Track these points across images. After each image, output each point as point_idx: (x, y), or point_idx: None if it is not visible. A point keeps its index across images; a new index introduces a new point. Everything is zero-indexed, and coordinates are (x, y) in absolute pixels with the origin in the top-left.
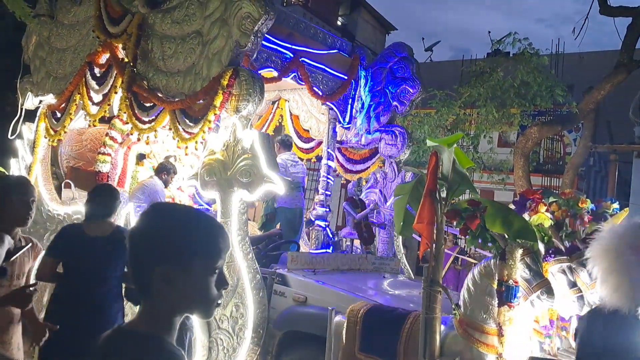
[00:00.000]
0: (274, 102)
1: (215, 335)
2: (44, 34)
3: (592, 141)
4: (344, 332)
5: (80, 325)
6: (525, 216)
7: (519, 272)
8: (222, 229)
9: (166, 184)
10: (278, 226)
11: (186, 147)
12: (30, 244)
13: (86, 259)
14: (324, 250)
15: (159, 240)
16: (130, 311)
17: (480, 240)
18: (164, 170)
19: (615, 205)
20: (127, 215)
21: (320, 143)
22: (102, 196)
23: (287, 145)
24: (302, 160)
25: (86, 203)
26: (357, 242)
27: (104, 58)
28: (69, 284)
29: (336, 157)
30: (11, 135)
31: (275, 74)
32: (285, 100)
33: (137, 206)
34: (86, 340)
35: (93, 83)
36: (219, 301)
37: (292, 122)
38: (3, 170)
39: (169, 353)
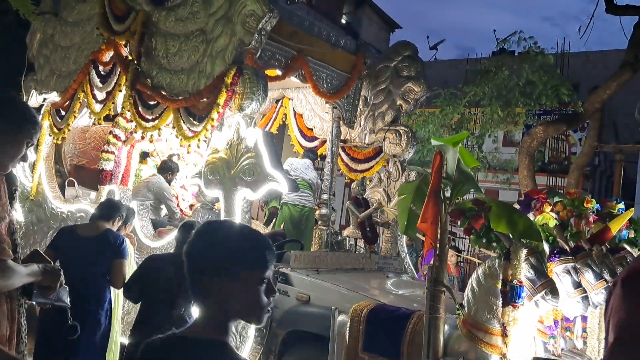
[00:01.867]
0: (277, 101)
1: None
2: (48, 31)
3: (597, 141)
4: (347, 331)
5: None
6: (530, 216)
7: (524, 272)
8: (268, 242)
9: (169, 182)
10: (282, 226)
11: (189, 146)
12: None
13: (74, 255)
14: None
15: (212, 256)
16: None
17: (484, 240)
18: (169, 170)
19: (621, 206)
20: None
21: (324, 142)
22: (104, 204)
23: (307, 155)
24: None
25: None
26: (360, 242)
27: (108, 56)
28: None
29: (340, 156)
30: None
31: (279, 72)
32: (289, 98)
33: (140, 203)
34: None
35: (97, 81)
36: (269, 308)
37: (296, 121)
38: None
39: (235, 355)
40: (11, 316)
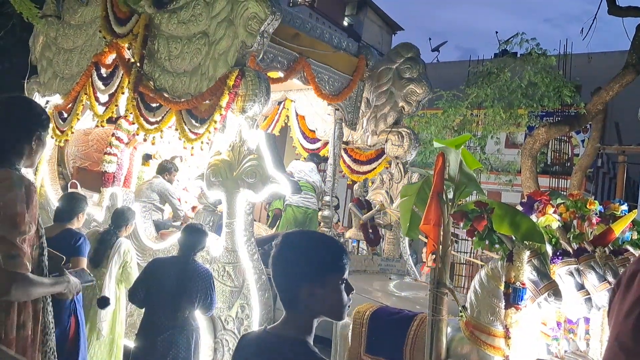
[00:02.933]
0: (280, 103)
1: (220, 336)
2: (51, 34)
3: (600, 142)
4: (349, 334)
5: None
6: (533, 218)
7: (526, 274)
8: (344, 247)
9: (170, 182)
10: (286, 228)
11: (192, 148)
12: None
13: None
14: None
15: (299, 265)
16: (137, 312)
17: (487, 242)
18: (166, 171)
19: (624, 207)
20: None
21: (326, 144)
22: (61, 203)
23: (311, 159)
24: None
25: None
26: (363, 244)
27: (110, 58)
28: None
29: (342, 157)
30: None
31: (281, 74)
32: (291, 100)
33: (143, 205)
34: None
35: (99, 83)
36: (349, 304)
37: (298, 123)
38: None
39: (312, 353)
40: (35, 317)
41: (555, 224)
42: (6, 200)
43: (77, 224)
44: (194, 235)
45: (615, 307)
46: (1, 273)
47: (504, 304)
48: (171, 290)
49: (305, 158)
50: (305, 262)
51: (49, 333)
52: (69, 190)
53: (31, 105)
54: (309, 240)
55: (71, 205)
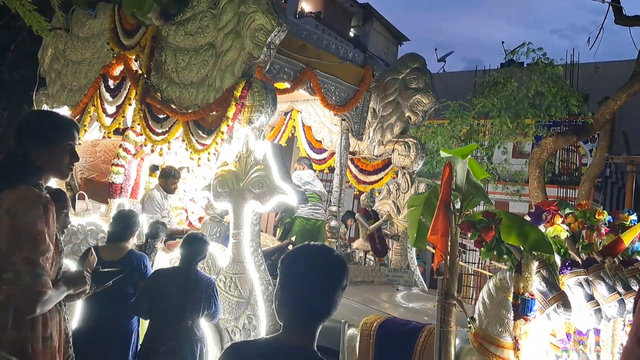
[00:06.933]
0: (286, 113)
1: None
2: (59, 46)
3: (608, 152)
4: (357, 345)
5: (96, 342)
6: (541, 228)
7: (535, 284)
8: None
9: (168, 190)
10: (294, 239)
11: (199, 159)
12: None
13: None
14: None
15: (340, 277)
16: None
17: (495, 253)
18: (164, 175)
19: (633, 217)
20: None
21: (332, 154)
22: (117, 221)
23: (308, 165)
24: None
25: (109, 226)
26: (370, 254)
27: (118, 70)
28: (90, 303)
29: (349, 168)
30: None
31: (288, 85)
32: (298, 111)
33: (150, 217)
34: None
35: (107, 95)
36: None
37: (305, 133)
38: None
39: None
40: (59, 328)
41: (563, 234)
42: (28, 220)
43: (132, 241)
44: (194, 245)
45: (638, 307)
46: (29, 294)
47: (512, 315)
48: (174, 300)
49: (297, 163)
50: (343, 277)
51: (69, 341)
52: (77, 201)
53: (54, 118)
54: (339, 258)
55: (126, 223)
